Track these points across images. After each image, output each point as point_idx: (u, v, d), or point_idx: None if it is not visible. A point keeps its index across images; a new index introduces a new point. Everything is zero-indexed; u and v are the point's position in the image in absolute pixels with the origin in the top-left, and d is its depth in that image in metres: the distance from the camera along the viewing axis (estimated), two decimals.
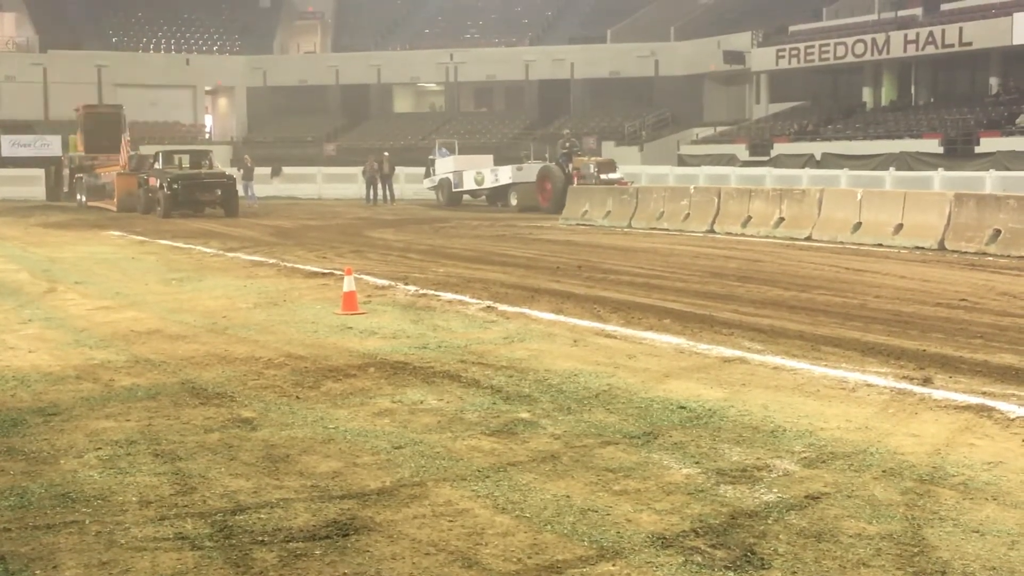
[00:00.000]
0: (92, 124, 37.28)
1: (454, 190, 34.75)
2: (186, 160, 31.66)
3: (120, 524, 4.91)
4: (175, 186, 28.97)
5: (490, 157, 36.60)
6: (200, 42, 58.40)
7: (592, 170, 31.21)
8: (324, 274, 14.84)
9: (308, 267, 15.86)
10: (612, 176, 31.20)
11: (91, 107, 39.45)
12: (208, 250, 19.05)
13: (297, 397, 7.41)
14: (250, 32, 58.89)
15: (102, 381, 7.98)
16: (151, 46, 56.80)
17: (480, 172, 34.20)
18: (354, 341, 9.56)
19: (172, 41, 57.72)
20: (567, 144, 32.79)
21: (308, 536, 4.74)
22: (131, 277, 14.94)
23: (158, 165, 30.76)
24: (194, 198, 29.33)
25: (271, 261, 16.85)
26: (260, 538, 4.71)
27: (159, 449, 6.13)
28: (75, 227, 25.74)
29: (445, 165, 35.63)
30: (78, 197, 36.27)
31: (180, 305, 12.02)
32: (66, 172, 38.06)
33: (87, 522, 4.94)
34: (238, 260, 17.24)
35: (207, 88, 56.67)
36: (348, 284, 11.42)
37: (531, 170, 32.74)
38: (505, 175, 33.21)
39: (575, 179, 30.61)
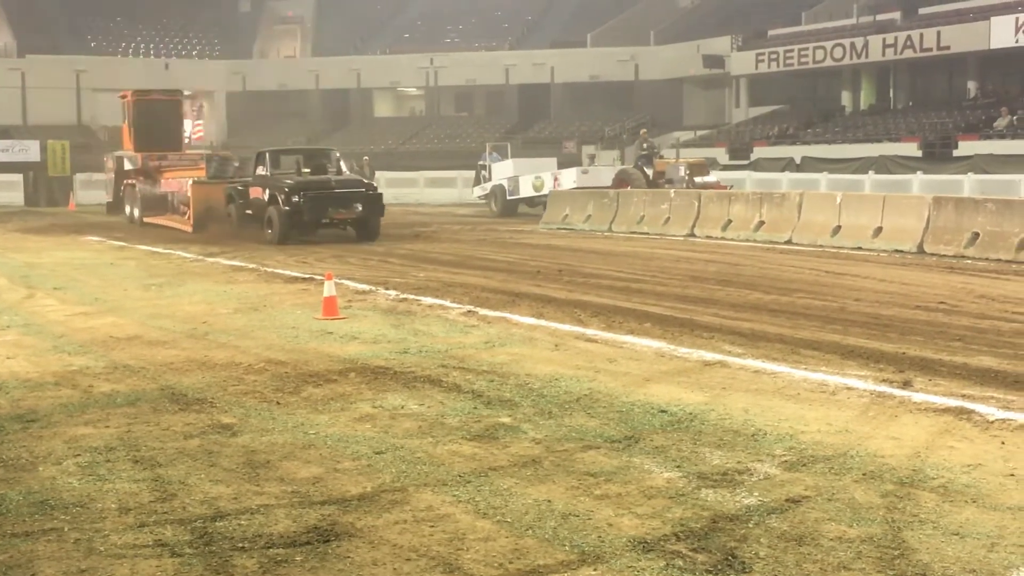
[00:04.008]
0: (144, 115, 29.36)
1: (509, 198, 31.58)
2: (303, 162, 22.83)
3: (99, 531, 4.88)
4: (297, 199, 20.61)
5: (552, 160, 32.90)
6: (179, 47, 58.21)
7: (683, 174, 27.69)
8: (304, 279, 14.79)
9: (288, 272, 15.80)
10: (707, 179, 27.84)
11: (143, 93, 30.52)
12: (187, 255, 18.98)
13: (277, 403, 7.38)
14: (229, 37, 58.75)
15: (81, 387, 7.93)
16: (130, 51, 56.58)
17: (539, 177, 30.71)
18: (334, 346, 9.54)
19: (151, 46, 57.51)
20: (645, 145, 29.64)
21: (289, 542, 4.72)
22: (110, 283, 14.86)
23: (263, 170, 22.35)
24: (326, 215, 21.15)
25: (251, 266, 16.80)
26: (240, 545, 4.69)
27: (138, 455, 6.09)
28: (54, 232, 25.59)
29: (502, 170, 32.42)
30: (127, 210, 28.47)
31: (159, 311, 11.96)
32: (112, 176, 30.73)
33: (66, 529, 4.91)
34: (218, 265, 17.17)
35: (186, 93, 56.49)
36: (328, 289, 11.39)
37: (597, 173, 29.91)
38: (568, 179, 29.79)
39: (662, 184, 27.46)
